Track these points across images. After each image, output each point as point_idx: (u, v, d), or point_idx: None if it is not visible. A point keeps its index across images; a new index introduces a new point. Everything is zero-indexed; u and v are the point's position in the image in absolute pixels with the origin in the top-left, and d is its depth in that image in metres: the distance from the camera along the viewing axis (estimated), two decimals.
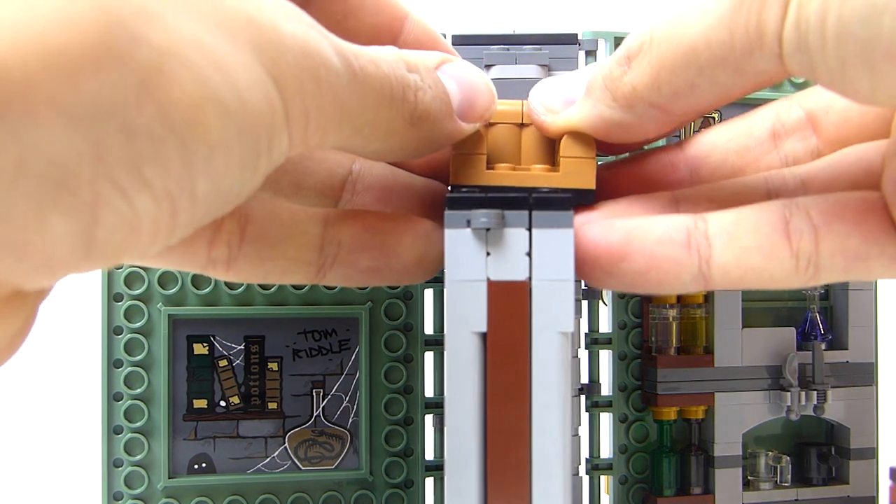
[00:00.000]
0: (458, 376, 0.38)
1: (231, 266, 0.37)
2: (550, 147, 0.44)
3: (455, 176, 0.43)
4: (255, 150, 0.27)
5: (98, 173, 0.22)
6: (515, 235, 0.37)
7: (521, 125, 0.44)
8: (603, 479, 0.66)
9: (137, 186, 0.23)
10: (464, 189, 0.42)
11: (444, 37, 0.65)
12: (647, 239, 0.37)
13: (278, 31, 0.27)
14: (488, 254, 0.38)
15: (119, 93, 0.22)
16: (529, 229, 0.37)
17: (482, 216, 0.37)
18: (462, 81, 0.38)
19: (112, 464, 0.60)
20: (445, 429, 0.38)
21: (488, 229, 0.37)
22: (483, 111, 0.39)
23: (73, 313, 0.79)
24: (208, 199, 0.26)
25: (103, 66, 0.22)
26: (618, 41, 0.66)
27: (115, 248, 0.24)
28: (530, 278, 0.37)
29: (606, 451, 0.66)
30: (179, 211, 0.25)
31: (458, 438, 0.38)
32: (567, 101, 0.40)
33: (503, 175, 0.43)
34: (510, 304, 0.37)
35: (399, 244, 0.39)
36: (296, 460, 0.63)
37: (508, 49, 0.60)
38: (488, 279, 0.38)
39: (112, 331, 0.60)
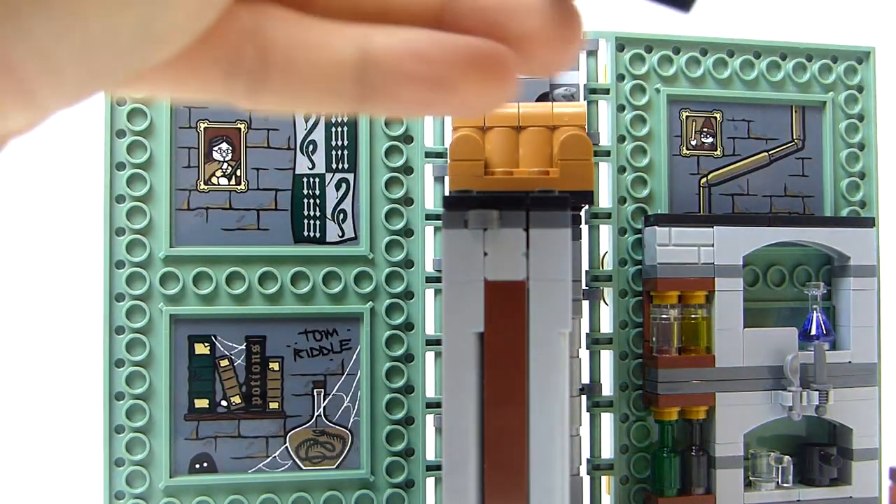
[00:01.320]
0: (455, 376, 0.38)
1: (255, 99, 0.31)
2: (548, 150, 0.44)
3: (454, 182, 0.43)
4: None
5: None
6: (512, 235, 0.37)
7: (518, 128, 0.44)
8: (604, 479, 0.66)
9: None
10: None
11: None
12: None
13: None
14: (485, 254, 0.38)
15: None
16: (527, 229, 0.37)
17: (479, 216, 0.37)
18: None
19: (113, 463, 0.60)
20: (443, 429, 0.38)
21: (485, 229, 0.37)
22: None
23: (75, 313, 0.79)
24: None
25: None
26: (619, 41, 0.66)
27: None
28: (527, 278, 0.37)
29: (607, 451, 0.66)
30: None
31: (455, 438, 0.38)
32: None
33: (501, 180, 0.43)
34: (507, 303, 0.38)
35: (460, 79, 0.31)
36: (297, 460, 0.63)
37: None
38: (485, 279, 0.38)
39: (113, 330, 0.61)
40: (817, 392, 0.64)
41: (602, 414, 0.66)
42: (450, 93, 0.30)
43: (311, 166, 0.63)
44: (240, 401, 0.62)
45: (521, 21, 0.29)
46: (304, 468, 0.63)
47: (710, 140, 0.68)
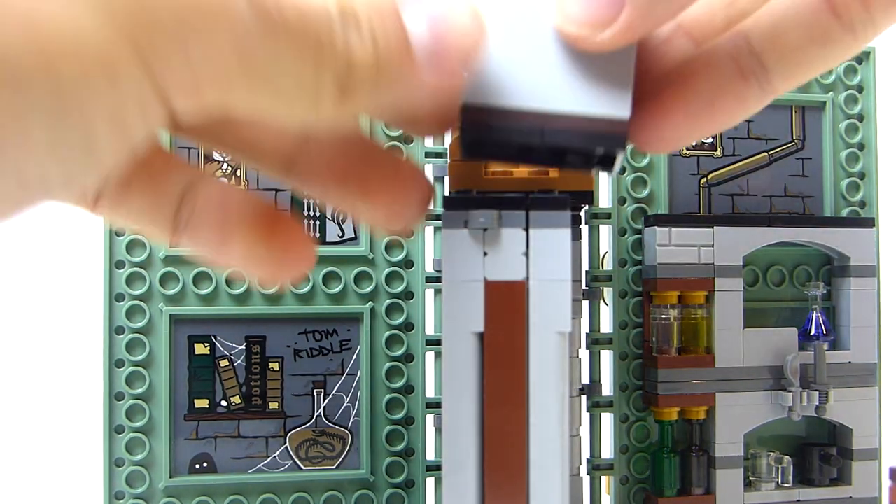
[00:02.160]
0: (455, 377, 0.38)
1: (96, 205, 0.34)
2: None
3: (454, 182, 0.43)
4: (85, 133, 0.23)
5: None
6: (512, 235, 0.37)
7: None
8: (604, 479, 0.66)
9: None
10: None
11: None
12: (698, 84, 0.34)
13: None
14: (485, 254, 0.38)
15: None
16: (527, 229, 0.37)
17: (479, 216, 0.37)
18: (435, 19, 0.29)
19: (113, 463, 0.60)
20: (443, 429, 0.38)
21: (485, 229, 0.37)
22: (459, 54, 0.30)
23: (75, 313, 0.79)
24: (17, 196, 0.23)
25: None
26: None
27: None
28: (527, 278, 0.37)
29: (607, 451, 0.66)
30: None
31: (455, 438, 0.38)
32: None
33: (501, 180, 0.43)
34: (507, 304, 0.37)
35: (231, 237, 0.34)
36: (297, 460, 0.63)
37: None
38: (485, 279, 0.38)
39: (113, 331, 0.61)
40: (817, 392, 0.64)
41: (602, 414, 0.66)
42: (230, 245, 0.35)
43: None
44: (240, 401, 0.62)
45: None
46: (303, 468, 0.63)
47: (710, 140, 0.68)
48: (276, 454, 0.62)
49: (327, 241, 0.63)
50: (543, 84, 0.33)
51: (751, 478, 0.65)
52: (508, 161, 0.35)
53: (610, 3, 0.31)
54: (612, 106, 0.33)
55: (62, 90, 0.22)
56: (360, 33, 0.27)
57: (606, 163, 0.34)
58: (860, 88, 0.70)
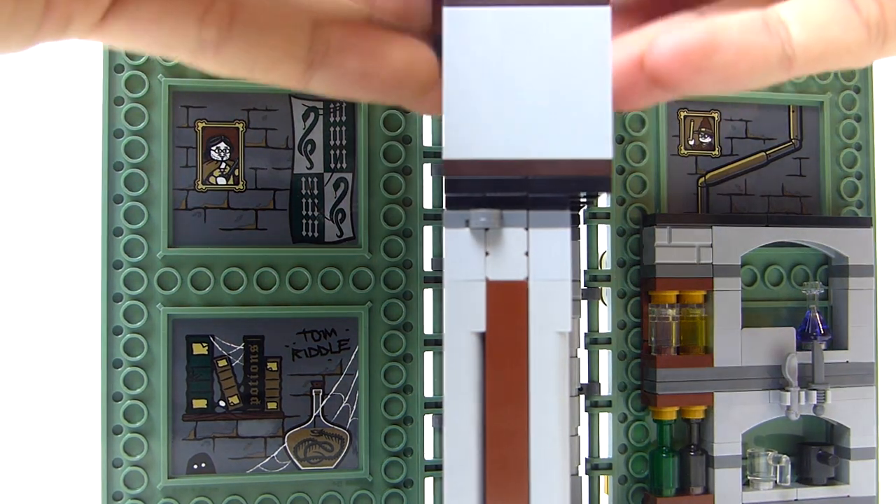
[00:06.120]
0: (457, 376, 0.38)
1: (220, 50, 0.35)
2: None
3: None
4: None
5: None
6: (514, 235, 0.37)
7: None
8: (602, 479, 0.66)
9: None
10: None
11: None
12: (731, 29, 0.36)
13: None
14: (487, 253, 0.37)
15: None
16: (528, 229, 0.37)
17: (481, 216, 0.37)
18: None
19: (111, 464, 0.60)
20: (444, 428, 0.38)
21: (487, 229, 0.37)
22: None
23: (73, 313, 0.79)
24: None
25: None
26: None
27: None
28: (528, 278, 0.37)
29: (606, 451, 0.66)
30: None
31: (457, 438, 0.38)
32: None
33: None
34: (509, 303, 0.37)
35: (388, 48, 0.37)
36: (295, 460, 0.63)
37: None
38: (487, 279, 0.38)
39: (111, 331, 0.60)
40: (815, 391, 0.64)
41: (600, 414, 0.66)
42: (381, 61, 0.36)
43: (309, 166, 0.63)
44: (238, 401, 0.62)
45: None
46: (302, 468, 0.62)
47: (709, 140, 0.68)
48: (275, 454, 0.62)
49: (326, 241, 0.63)
50: (523, 133, 0.35)
51: (749, 477, 0.66)
52: (492, 207, 0.37)
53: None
54: (594, 147, 0.35)
55: None
56: None
57: (590, 200, 0.37)
58: (857, 89, 0.70)
